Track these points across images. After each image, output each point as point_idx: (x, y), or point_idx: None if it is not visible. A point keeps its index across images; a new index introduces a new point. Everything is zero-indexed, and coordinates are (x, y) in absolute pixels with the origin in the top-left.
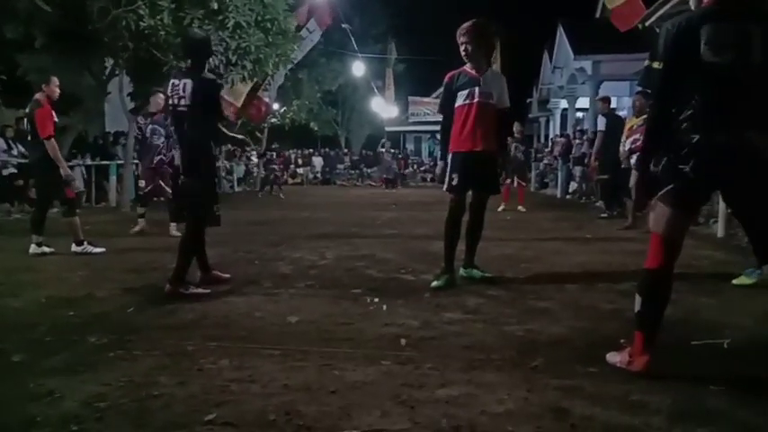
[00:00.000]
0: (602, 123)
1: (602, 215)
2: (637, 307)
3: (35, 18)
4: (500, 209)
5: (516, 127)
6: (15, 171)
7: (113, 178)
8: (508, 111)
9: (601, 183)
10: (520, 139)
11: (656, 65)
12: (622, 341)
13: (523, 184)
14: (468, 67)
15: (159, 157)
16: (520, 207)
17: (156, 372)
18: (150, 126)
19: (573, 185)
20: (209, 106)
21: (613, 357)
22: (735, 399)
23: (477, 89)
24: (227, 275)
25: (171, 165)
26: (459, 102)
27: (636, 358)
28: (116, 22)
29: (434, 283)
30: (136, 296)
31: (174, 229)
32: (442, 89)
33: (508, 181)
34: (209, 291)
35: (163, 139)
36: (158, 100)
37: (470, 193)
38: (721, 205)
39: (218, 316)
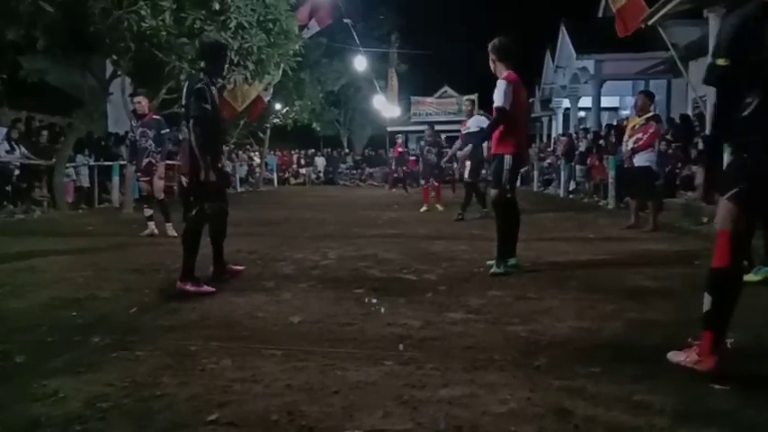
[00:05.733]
0: (473, 125)
1: (459, 216)
2: (706, 306)
3: (37, 20)
4: (426, 209)
5: (427, 130)
6: (19, 172)
7: (116, 178)
8: (496, 109)
9: (468, 185)
10: (431, 141)
11: (720, 62)
12: (690, 339)
13: (436, 183)
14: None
15: (148, 159)
16: (438, 206)
17: (159, 372)
18: (140, 129)
19: (572, 185)
20: (194, 107)
21: (677, 356)
22: (739, 399)
23: None
24: (242, 267)
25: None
26: None
27: (705, 358)
28: (118, 23)
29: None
30: (138, 297)
31: (171, 229)
32: None
33: (423, 182)
34: (213, 290)
35: (150, 142)
36: (141, 102)
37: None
38: None
39: (220, 316)
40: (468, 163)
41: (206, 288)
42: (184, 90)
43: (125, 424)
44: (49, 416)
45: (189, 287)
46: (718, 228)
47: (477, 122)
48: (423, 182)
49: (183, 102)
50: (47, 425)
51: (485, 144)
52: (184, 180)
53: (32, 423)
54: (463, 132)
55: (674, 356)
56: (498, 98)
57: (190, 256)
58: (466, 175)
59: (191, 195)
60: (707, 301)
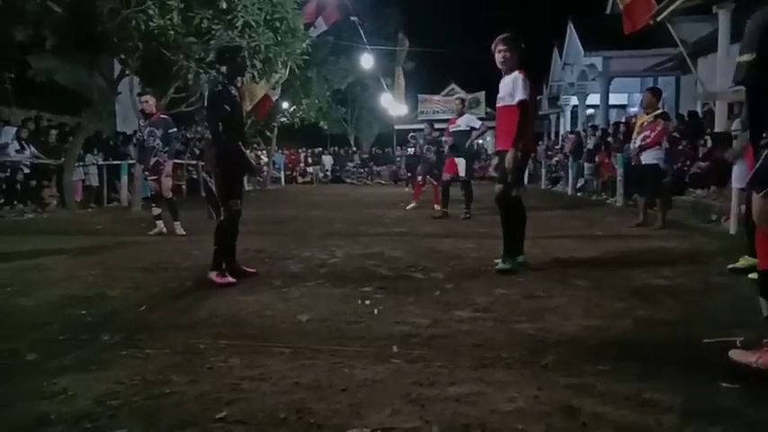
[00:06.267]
0: (463, 123)
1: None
2: (765, 311)
3: (44, 19)
4: (409, 207)
5: (426, 129)
6: (29, 171)
7: (125, 178)
8: (521, 103)
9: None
10: (431, 140)
11: (744, 58)
12: (765, 340)
13: (435, 183)
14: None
15: (156, 159)
16: (435, 206)
17: (168, 370)
18: (148, 128)
19: (580, 181)
20: (211, 109)
21: (745, 357)
22: (747, 397)
23: (498, 95)
24: (254, 270)
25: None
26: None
27: None
28: (126, 22)
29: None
30: (147, 295)
31: (179, 228)
32: None
33: (419, 178)
34: (234, 280)
35: (158, 141)
36: (149, 102)
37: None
38: (734, 202)
39: (228, 314)
40: (462, 161)
41: (229, 279)
42: (206, 94)
43: (134, 421)
44: (59, 413)
45: (215, 278)
46: (759, 226)
47: (468, 121)
48: (419, 179)
49: (206, 105)
50: (57, 422)
51: (487, 139)
52: (210, 180)
53: (43, 421)
54: (451, 130)
55: (741, 356)
56: (520, 92)
57: (220, 250)
58: (462, 174)
59: (218, 192)
60: (764, 306)
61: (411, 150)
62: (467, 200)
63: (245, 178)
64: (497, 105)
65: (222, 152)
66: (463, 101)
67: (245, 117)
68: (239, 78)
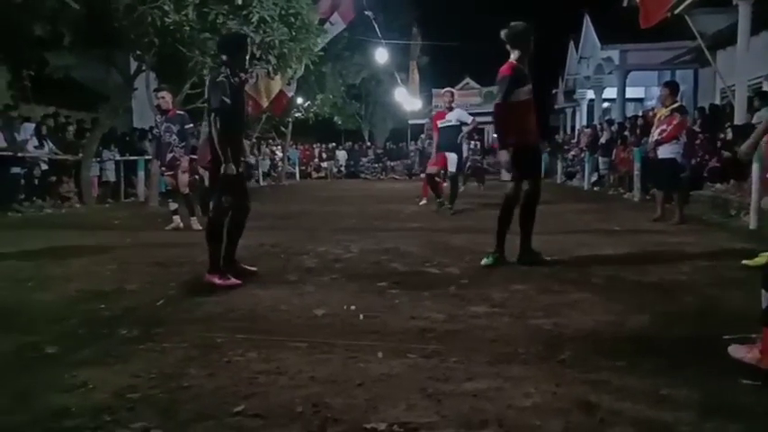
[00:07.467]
0: (453, 118)
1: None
2: (764, 303)
3: (61, 16)
4: (421, 203)
5: (428, 124)
6: (47, 167)
7: (141, 173)
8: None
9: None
10: (431, 134)
11: None
12: (753, 336)
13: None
14: (520, 65)
15: (172, 155)
16: (422, 199)
17: (186, 364)
18: (165, 124)
19: (595, 176)
20: (213, 100)
21: (739, 352)
22: (766, 394)
23: (530, 86)
24: (254, 268)
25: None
26: (522, 97)
27: (765, 356)
28: (142, 18)
29: (484, 261)
30: (164, 289)
31: (196, 223)
32: (502, 80)
33: (422, 175)
34: (239, 282)
35: (174, 137)
36: (165, 97)
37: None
38: (753, 197)
39: (244, 309)
40: (453, 156)
41: (233, 281)
42: (207, 84)
43: (153, 414)
44: (80, 406)
45: (216, 280)
46: None
47: (459, 116)
48: (422, 175)
49: (206, 95)
50: (77, 415)
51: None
52: (203, 172)
53: (63, 413)
54: (440, 125)
55: (736, 351)
56: None
57: (214, 250)
58: (452, 169)
59: (211, 188)
60: (764, 299)
61: (412, 147)
62: (452, 196)
63: (260, 173)
64: (523, 99)
65: (213, 146)
66: (453, 94)
67: (260, 113)
68: (247, 73)
